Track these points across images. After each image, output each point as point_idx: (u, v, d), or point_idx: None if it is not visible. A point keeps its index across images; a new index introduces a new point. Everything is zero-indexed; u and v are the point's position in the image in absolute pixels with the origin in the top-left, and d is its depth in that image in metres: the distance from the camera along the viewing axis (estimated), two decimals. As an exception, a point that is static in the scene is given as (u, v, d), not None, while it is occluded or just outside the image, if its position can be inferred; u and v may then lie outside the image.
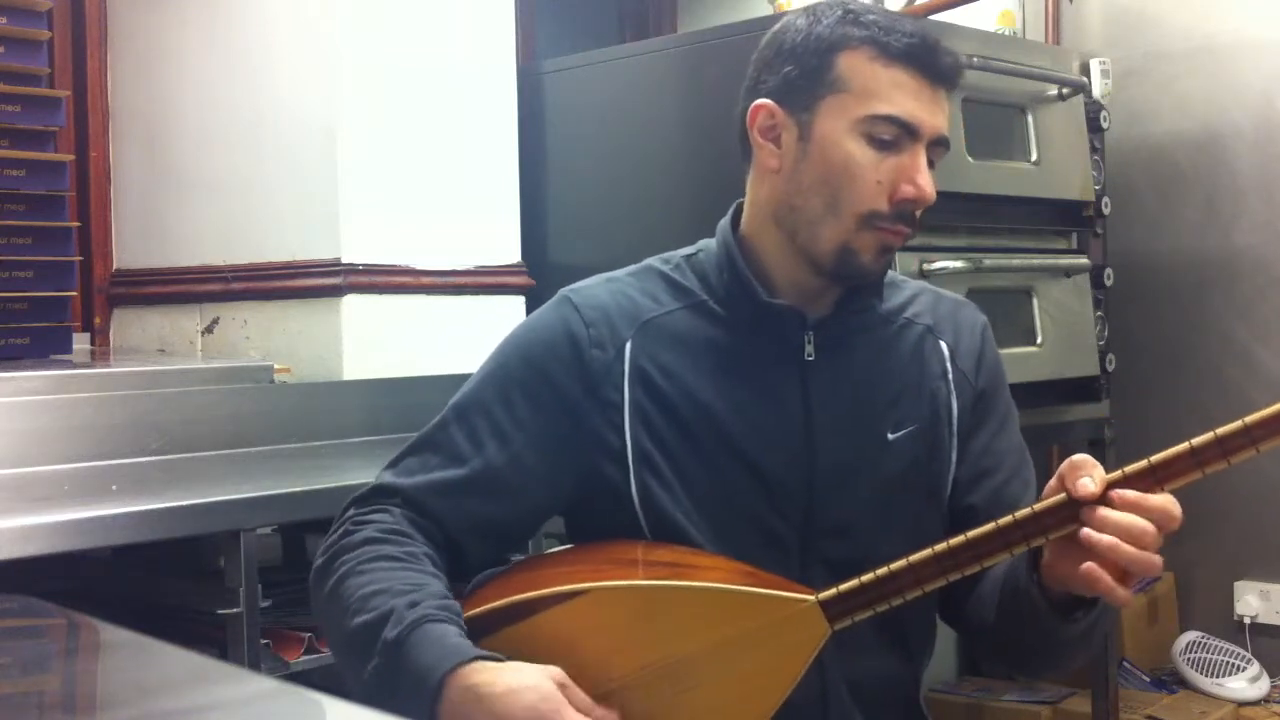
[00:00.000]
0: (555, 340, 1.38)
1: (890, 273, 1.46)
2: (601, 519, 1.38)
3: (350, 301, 2.34)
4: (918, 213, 1.35)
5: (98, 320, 2.68)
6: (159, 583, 1.81)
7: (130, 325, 2.67)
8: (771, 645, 1.25)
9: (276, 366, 2.22)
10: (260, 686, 0.97)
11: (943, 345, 1.44)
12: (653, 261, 1.45)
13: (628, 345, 1.37)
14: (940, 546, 1.22)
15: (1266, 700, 3.02)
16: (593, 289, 1.42)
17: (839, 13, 1.35)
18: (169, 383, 2.05)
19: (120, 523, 1.55)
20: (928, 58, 1.32)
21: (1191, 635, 3.17)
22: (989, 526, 1.21)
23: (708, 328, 1.39)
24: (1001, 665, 1.47)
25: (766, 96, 1.37)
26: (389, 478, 1.39)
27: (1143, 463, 1.18)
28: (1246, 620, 3.18)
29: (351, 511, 1.38)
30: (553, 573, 1.33)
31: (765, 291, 1.37)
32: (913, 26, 1.34)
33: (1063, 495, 1.20)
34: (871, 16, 1.34)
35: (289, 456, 2.06)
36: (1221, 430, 1.15)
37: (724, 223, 1.43)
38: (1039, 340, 2.68)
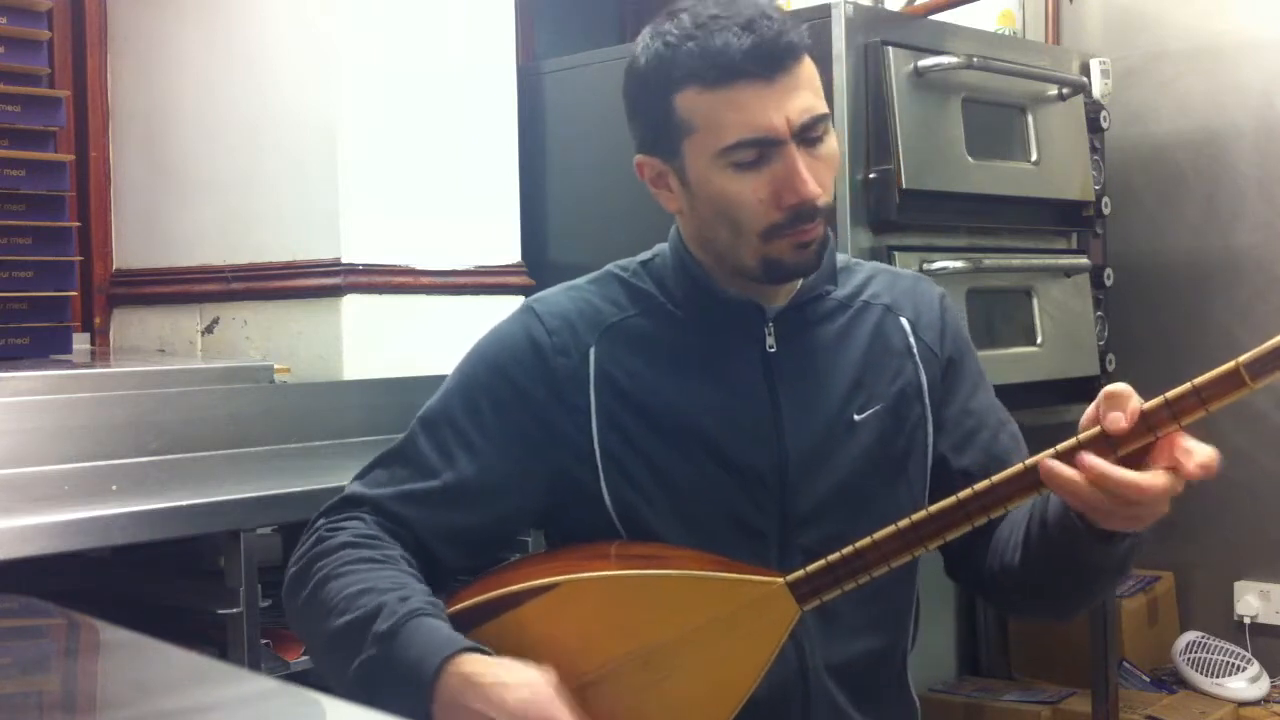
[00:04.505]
0: (519, 349, 1.39)
1: (843, 256, 1.48)
2: (578, 525, 1.39)
3: (350, 301, 2.34)
4: (818, 203, 1.31)
5: (98, 320, 2.68)
6: (159, 583, 1.81)
7: (130, 325, 2.67)
8: (743, 629, 1.26)
9: (276, 366, 2.22)
10: (260, 686, 0.97)
11: (903, 321, 1.46)
12: (611, 268, 1.47)
13: (591, 351, 1.38)
14: (903, 522, 1.23)
15: (1266, 700, 3.01)
16: (554, 297, 1.43)
17: (658, 47, 1.33)
18: (169, 383, 2.05)
19: (120, 523, 1.55)
20: (752, 62, 1.28)
21: (1191, 635, 3.17)
22: (951, 500, 1.22)
23: (669, 329, 1.40)
24: (1029, 608, 1.47)
25: (641, 151, 1.39)
26: (358, 488, 1.40)
27: (1095, 429, 1.19)
28: (1246, 620, 3.18)
29: (322, 521, 1.38)
30: (527, 570, 1.34)
31: (721, 290, 1.39)
32: (728, 35, 1.28)
33: (1010, 472, 1.21)
34: (690, 44, 1.29)
35: (289, 456, 2.06)
36: (1171, 394, 1.17)
37: (674, 228, 1.44)
38: (1039, 340, 2.69)
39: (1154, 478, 1.15)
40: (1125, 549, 1.26)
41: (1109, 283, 2.88)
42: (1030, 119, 2.70)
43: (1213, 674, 3.06)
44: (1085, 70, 2.86)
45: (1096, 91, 2.85)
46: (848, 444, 1.39)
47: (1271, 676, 3.08)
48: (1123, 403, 1.18)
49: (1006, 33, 2.92)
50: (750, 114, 1.28)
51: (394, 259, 2.40)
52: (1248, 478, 3.12)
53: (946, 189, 2.51)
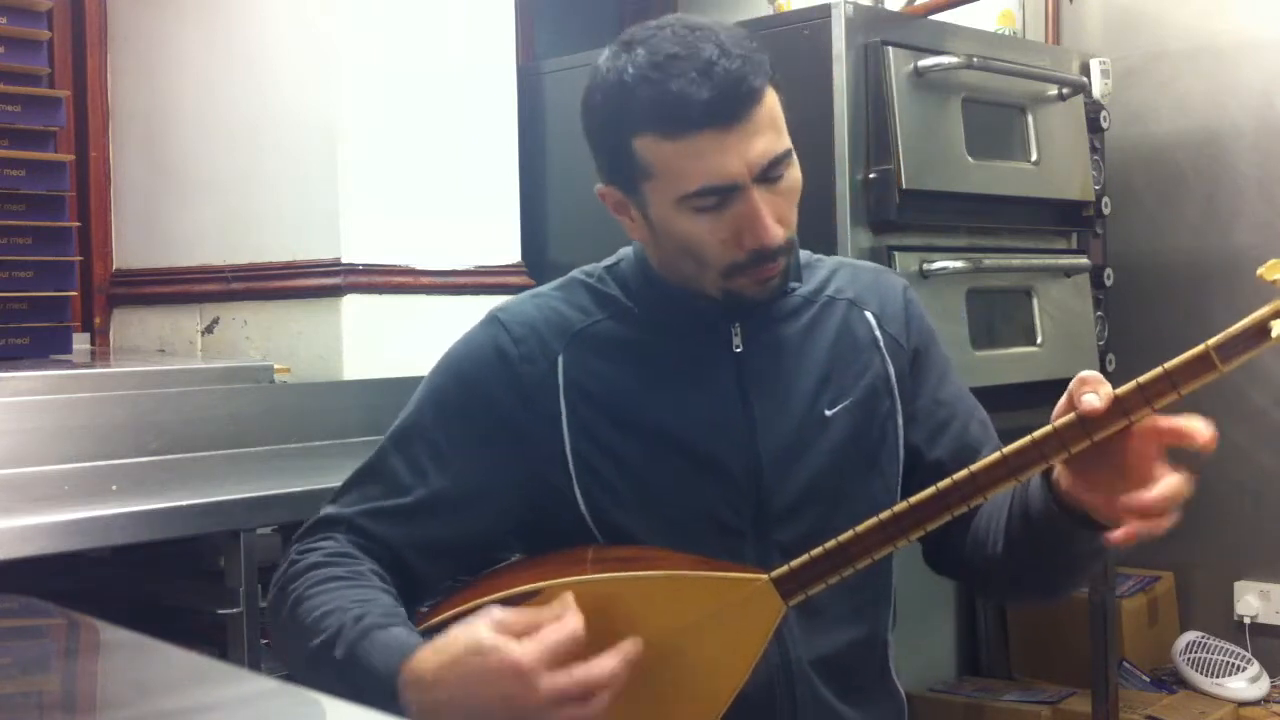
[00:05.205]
0: (486, 359, 1.39)
1: (806, 253, 1.48)
2: (554, 534, 1.38)
3: (350, 301, 2.34)
4: (779, 245, 1.32)
5: (98, 320, 2.68)
6: (159, 583, 1.81)
7: (130, 325, 2.67)
8: (729, 627, 1.27)
9: (276, 366, 2.22)
10: (260, 686, 0.97)
11: (868, 315, 1.46)
12: (576, 274, 1.47)
13: (560, 358, 1.38)
14: (885, 514, 1.24)
15: (1266, 700, 3.01)
16: (519, 306, 1.43)
17: (614, 85, 1.30)
18: (169, 383, 2.05)
19: (120, 523, 1.55)
20: (711, 113, 1.25)
21: (1191, 635, 3.17)
22: (930, 490, 1.23)
23: (636, 333, 1.40)
24: (1012, 593, 1.50)
25: (601, 180, 1.39)
26: (331, 510, 1.39)
27: (1070, 416, 1.20)
28: (1246, 620, 3.17)
29: (295, 546, 1.38)
30: (508, 578, 1.33)
31: (686, 293, 1.39)
32: (686, 83, 1.25)
33: (988, 461, 1.22)
34: (647, 89, 1.27)
35: (289, 456, 2.06)
36: (1143, 378, 1.18)
37: None
38: (1039, 340, 2.69)
39: (1167, 484, 1.17)
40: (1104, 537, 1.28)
41: (1109, 283, 2.88)
42: (1030, 119, 2.70)
43: (1213, 674, 3.06)
44: (1085, 70, 2.86)
45: (1096, 91, 2.85)
46: (820, 440, 1.39)
47: (1271, 676, 3.08)
48: (1095, 387, 1.20)
49: (1006, 33, 2.92)
50: (709, 163, 1.27)
51: (394, 259, 2.40)
52: (1248, 477, 3.12)
53: (946, 189, 2.51)
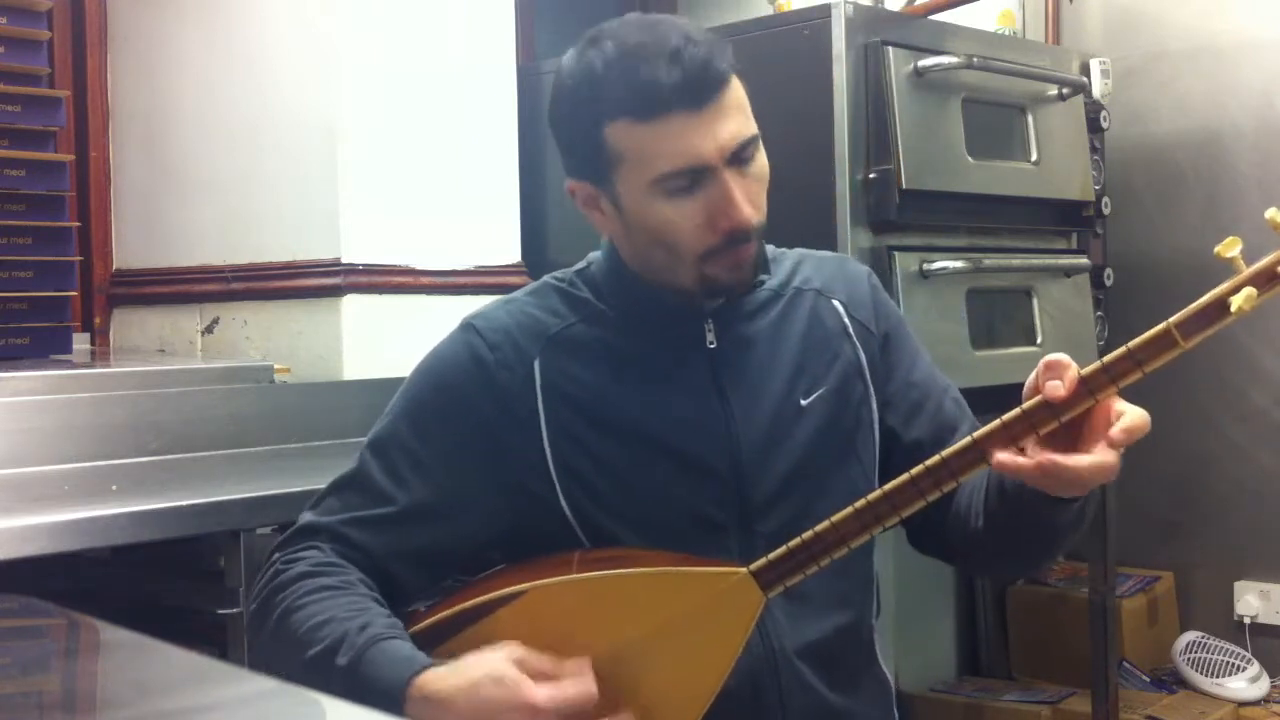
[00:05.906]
0: (463, 366, 1.40)
1: (770, 247, 1.49)
2: (541, 539, 1.38)
3: (350, 301, 2.34)
4: (752, 225, 1.33)
5: (98, 320, 2.68)
6: (159, 583, 1.81)
7: (130, 325, 2.67)
8: (711, 620, 1.28)
9: (276, 366, 2.22)
10: (260, 686, 0.97)
11: (836, 304, 1.48)
12: (547, 279, 1.48)
13: (536, 362, 1.39)
14: (860, 503, 1.26)
15: (1266, 700, 3.01)
16: (492, 313, 1.44)
17: (583, 77, 1.33)
18: (169, 383, 2.05)
19: (120, 523, 1.55)
20: (681, 95, 1.28)
21: (1191, 635, 3.17)
22: (904, 477, 1.25)
23: (611, 335, 1.41)
24: (996, 566, 1.51)
25: (571, 176, 1.40)
26: (311, 518, 1.39)
27: (1038, 398, 1.22)
28: (1246, 620, 3.17)
29: (277, 555, 1.38)
30: (495, 582, 1.34)
31: (659, 291, 1.40)
32: (655, 68, 1.27)
33: (958, 446, 1.23)
34: (617, 76, 1.29)
35: (289, 456, 2.06)
36: (1107, 358, 1.20)
37: (607, 238, 1.45)
38: (1039, 340, 2.69)
39: (1091, 460, 1.19)
40: (1081, 504, 1.30)
41: (1109, 283, 2.88)
42: (1030, 119, 2.70)
43: (1213, 674, 3.06)
44: (1085, 70, 2.86)
45: (1096, 91, 2.85)
46: (796, 429, 1.40)
47: (1271, 676, 3.08)
48: (1061, 371, 1.21)
49: (1006, 33, 2.92)
50: (681, 144, 1.29)
51: (394, 259, 2.40)
52: (1248, 477, 3.12)
53: (946, 189, 2.51)
